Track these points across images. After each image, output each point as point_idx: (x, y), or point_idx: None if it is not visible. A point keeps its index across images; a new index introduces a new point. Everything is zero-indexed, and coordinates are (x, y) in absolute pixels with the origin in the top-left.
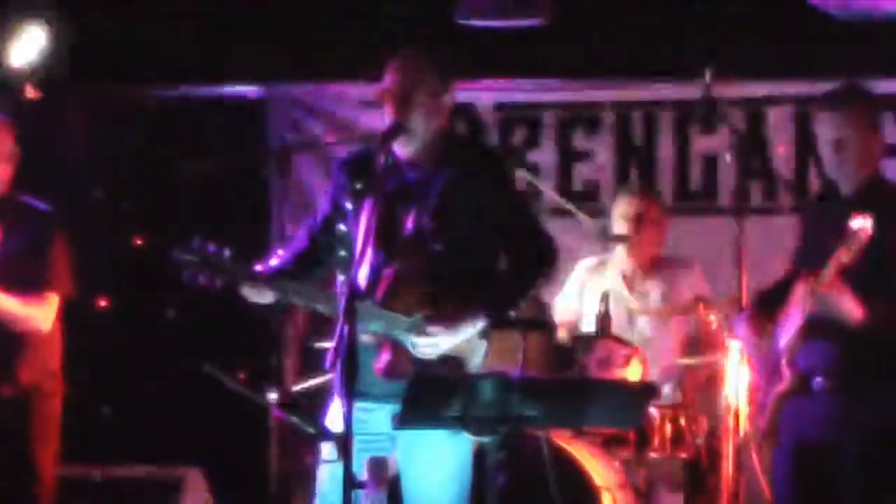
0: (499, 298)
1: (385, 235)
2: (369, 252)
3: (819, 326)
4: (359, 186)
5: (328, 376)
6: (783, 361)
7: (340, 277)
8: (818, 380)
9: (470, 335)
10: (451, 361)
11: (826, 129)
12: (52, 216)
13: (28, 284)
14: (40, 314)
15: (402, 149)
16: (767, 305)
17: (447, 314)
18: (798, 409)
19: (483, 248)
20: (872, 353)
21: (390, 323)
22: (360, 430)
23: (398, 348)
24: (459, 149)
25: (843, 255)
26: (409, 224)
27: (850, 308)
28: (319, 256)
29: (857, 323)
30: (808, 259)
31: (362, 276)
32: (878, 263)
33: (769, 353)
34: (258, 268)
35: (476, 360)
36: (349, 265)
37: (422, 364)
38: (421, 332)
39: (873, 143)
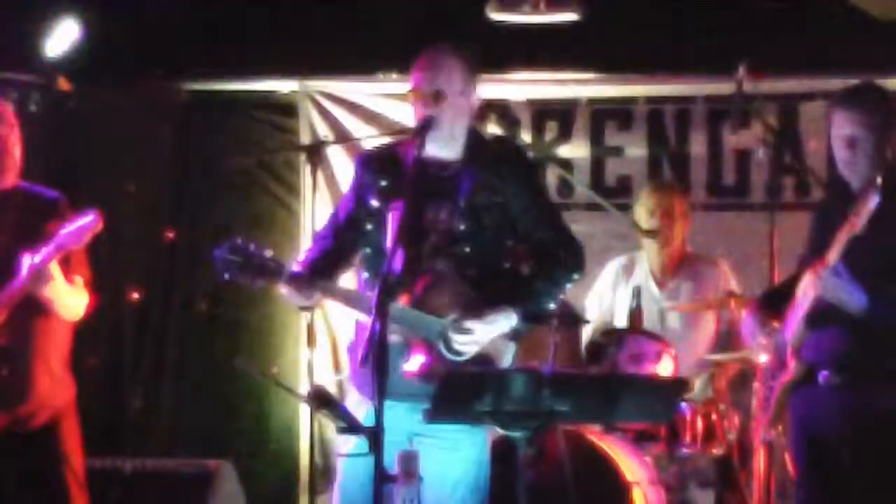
0: (528, 302)
1: (414, 234)
2: (398, 250)
3: (824, 316)
4: (384, 184)
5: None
6: (788, 351)
7: (365, 276)
8: (824, 373)
9: (504, 330)
10: (482, 362)
11: (839, 127)
12: (63, 202)
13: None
14: (82, 300)
15: (430, 145)
16: (773, 303)
17: (478, 314)
18: (804, 399)
19: (510, 249)
20: (877, 347)
21: (422, 324)
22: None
23: (432, 351)
24: (488, 147)
25: (854, 222)
26: (438, 224)
27: (853, 296)
28: (345, 255)
29: (859, 311)
30: (815, 258)
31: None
32: (887, 258)
33: (776, 346)
34: (296, 268)
35: (505, 361)
36: (374, 263)
37: (453, 366)
38: (456, 329)
39: (887, 142)
